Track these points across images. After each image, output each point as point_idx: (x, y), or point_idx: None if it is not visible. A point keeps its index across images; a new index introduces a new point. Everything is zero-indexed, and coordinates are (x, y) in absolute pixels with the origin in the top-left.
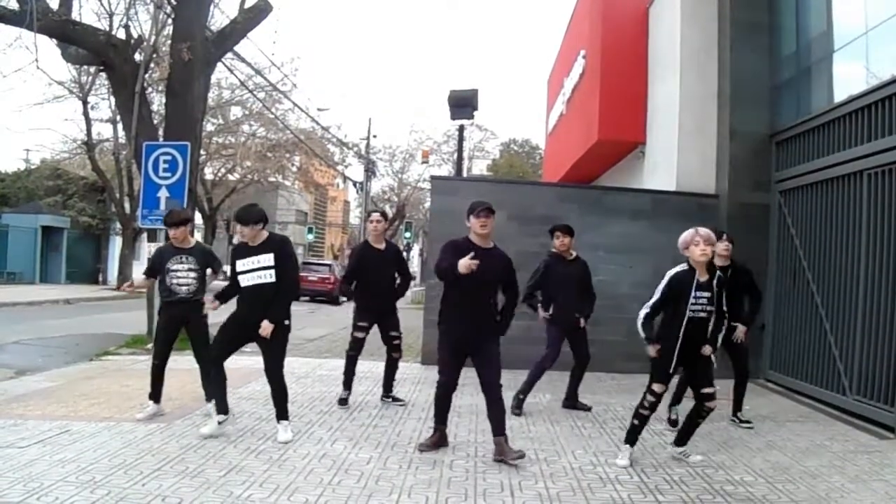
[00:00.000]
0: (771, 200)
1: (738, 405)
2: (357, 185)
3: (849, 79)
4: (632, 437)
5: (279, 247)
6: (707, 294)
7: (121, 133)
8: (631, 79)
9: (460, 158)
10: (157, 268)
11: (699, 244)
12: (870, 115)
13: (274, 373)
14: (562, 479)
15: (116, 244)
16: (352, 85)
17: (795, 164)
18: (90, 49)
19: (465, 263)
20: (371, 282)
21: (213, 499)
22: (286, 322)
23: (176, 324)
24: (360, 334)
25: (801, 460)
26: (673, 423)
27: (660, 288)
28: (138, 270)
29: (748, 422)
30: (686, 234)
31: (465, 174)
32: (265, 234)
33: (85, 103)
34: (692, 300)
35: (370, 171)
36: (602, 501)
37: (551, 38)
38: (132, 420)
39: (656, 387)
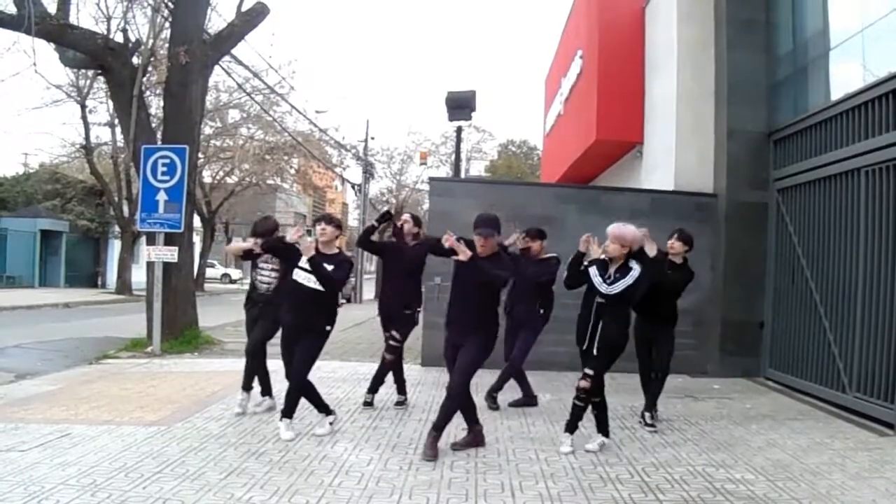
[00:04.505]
0: (769, 199)
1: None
2: (355, 187)
3: (845, 76)
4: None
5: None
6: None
7: (119, 136)
8: (628, 78)
9: (458, 160)
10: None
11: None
12: (867, 112)
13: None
14: (562, 480)
15: (115, 247)
16: (350, 87)
17: (793, 163)
18: (88, 53)
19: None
20: (383, 282)
21: (213, 501)
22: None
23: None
24: (392, 342)
25: (801, 458)
26: (650, 426)
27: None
28: (137, 274)
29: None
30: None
31: (462, 175)
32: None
33: (83, 107)
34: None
35: (368, 172)
36: (603, 501)
37: (548, 38)
38: (132, 423)
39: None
